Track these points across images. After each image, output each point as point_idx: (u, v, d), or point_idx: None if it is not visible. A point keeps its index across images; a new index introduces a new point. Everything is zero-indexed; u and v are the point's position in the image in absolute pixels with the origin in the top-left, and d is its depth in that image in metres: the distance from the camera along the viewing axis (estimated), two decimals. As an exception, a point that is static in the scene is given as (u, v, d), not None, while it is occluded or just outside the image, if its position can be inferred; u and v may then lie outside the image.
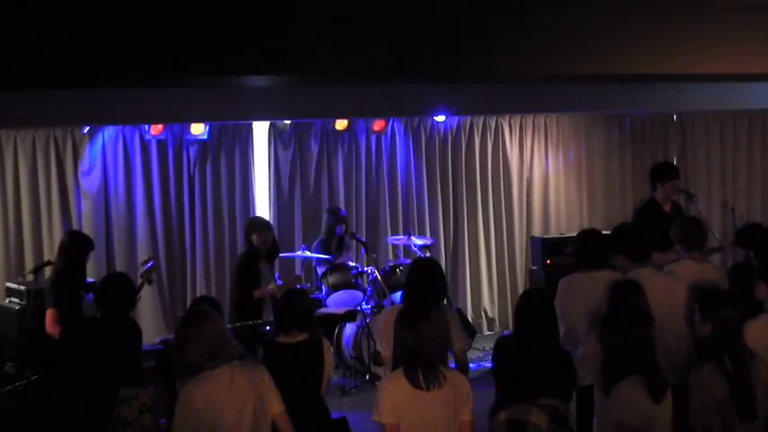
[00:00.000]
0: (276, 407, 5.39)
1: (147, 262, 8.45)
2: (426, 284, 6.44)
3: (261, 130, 11.54)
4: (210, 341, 5.24)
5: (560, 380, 5.68)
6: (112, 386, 5.32)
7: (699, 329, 5.60)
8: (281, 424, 5.42)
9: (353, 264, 10.62)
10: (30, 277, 8.29)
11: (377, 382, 5.55)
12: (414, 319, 5.28)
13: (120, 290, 6.42)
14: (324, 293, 10.31)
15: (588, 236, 7.28)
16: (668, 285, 6.73)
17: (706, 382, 5.32)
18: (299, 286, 9.65)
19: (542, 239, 12.19)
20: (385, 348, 6.28)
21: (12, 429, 7.94)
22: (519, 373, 4.88)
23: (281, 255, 10.50)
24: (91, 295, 7.89)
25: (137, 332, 5.68)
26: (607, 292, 6.05)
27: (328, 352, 6.44)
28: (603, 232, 7.53)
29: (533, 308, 5.92)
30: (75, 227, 10.39)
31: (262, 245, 9.12)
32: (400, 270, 10.50)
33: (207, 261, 11.21)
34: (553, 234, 12.48)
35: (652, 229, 7.81)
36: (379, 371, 9.10)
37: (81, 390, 5.53)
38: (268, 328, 8.21)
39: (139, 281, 8.14)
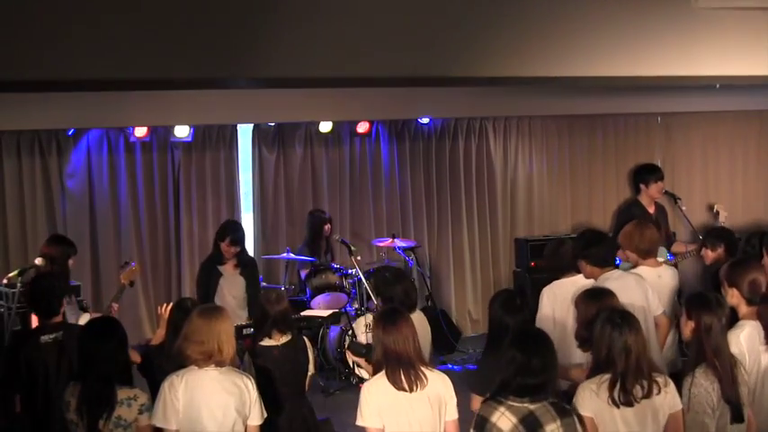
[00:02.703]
0: (255, 418, 5.45)
1: (128, 264, 8.40)
2: (393, 289, 6.55)
3: (245, 132, 11.55)
4: (216, 340, 5.31)
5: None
6: (111, 387, 5.37)
7: (683, 331, 5.65)
8: None
9: (338, 266, 10.63)
10: (15, 280, 8.24)
11: (361, 384, 5.58)
12: (390, 320, 5.33)
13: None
14: (308, 295, 10.32)
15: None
16: (639, 284, 6.84)
17: (702, 389, 5.32)
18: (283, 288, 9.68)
19: (526, 241, 12.24)
20: None
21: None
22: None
23: (264, 257, 10.52)
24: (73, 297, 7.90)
25: (124, 334, 5.71)
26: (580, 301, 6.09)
27: (310, 349, 6.52)
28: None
29: (505, 313, 6.00)
30: (59, 229, 10.38)
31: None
32: (385, 272, 10.53)
33: (192, 262, 11.20)
34: (537, 236, 12.50)
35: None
36: (364, 372, 9.13)
37: (63, 392, 5.56)
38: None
39: (121, 283, 8.13)
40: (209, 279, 9.14)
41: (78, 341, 5.68)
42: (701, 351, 5.43)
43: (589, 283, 6.71)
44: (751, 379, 5.69)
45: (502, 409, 4.68)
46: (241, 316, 8.87)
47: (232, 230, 9.21)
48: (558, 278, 7.13)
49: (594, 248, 6.99)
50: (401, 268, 8.66)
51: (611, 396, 5.01)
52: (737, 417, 5.36)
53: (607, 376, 5.08)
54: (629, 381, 5.04)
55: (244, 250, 9.34)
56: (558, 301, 6.92)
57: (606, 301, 5.85)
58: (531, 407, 4.70)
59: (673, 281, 7.42)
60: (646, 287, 6.86)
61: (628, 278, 6.88)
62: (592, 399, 5.03)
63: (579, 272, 7.07)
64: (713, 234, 8.23)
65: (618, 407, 5.02)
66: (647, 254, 7.34)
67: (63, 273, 7.83)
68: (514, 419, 4.66)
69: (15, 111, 9.29)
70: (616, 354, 5.07)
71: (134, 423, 5.40)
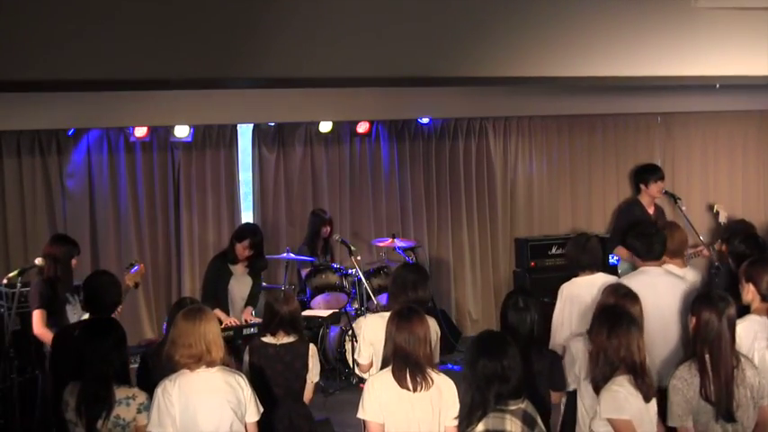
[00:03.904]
0: (252, 415, 5.44)
1: (133, 265, 8.40)
2: (414, 288, 6.48)
3: (245, 132, 11.54)
4: (203, 341, 5.29)
5: (541, 381, 5.75)
6: (109, 387, 5.38)
7: (689, 327, 5.68)
8: None
9: (338, 266, 10.63)
10: (15, 280, 8.23)
11: (360, 384, 5.59)
12: (405, 318, 5.32)
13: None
14: (308, 295, 10.31)
15: (582, 240, 7.31)
16: (674, 286, 6.78)
17: (680, 382, 5.40)
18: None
19: (526, 241, 12.23)
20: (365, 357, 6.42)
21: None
22: (494, 380, 4.80)
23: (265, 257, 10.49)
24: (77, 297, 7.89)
25: (123, 334, 5.71)
26: (606, 289, 6.11)
27: (314, 357, 6.44)
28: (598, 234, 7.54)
29: (515, 313, 5.98)
30: (60, 229, 10.35)
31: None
32: (385, 272, 10.52)
33: (192, 262, 11.21)
34: (537, 236, 12.51)
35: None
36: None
37: (64, 391, 5.57)
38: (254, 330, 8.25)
39: (125, 284, 8.12)
40: (218, 276, 9.14)
41: (76, 340, 5.68)
42: (696, 346, 5.48)
43: (606, 281, 6.71)
44: None
45: (508, 416, 4.70)
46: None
47: (252, 234, 9.20)
48: (576, 275, 7.11)
49: (637, 240, 7.00)
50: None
51: (642, 393, 5.13)
52: (726, 416, 5.37)
53: (629, 377, 5.15)
54: (647, 378, 5.18)
55: (260, 254, 9.33)
56: (574, 299, 6.90)
57: (627, 301, 5.87)
58: (522, 405, 4.78)
59: (697, 281, 7.40)
60: (678, 293, 6.74)
61: (663, 279, 6.83)
62: (629, 401, 5.11)
63: (600, 270, 7.07)
64: (736, 228, 8.17)
65: (648, 401, 5.15)
66: (675, 254, 7.33)
67: (66, 273, 7.81)
68: (519, 422, 4.70)
69: (15, 111, 9.29)
70: (634, 354, 5.17)
71: (133, 422, 5.40)
